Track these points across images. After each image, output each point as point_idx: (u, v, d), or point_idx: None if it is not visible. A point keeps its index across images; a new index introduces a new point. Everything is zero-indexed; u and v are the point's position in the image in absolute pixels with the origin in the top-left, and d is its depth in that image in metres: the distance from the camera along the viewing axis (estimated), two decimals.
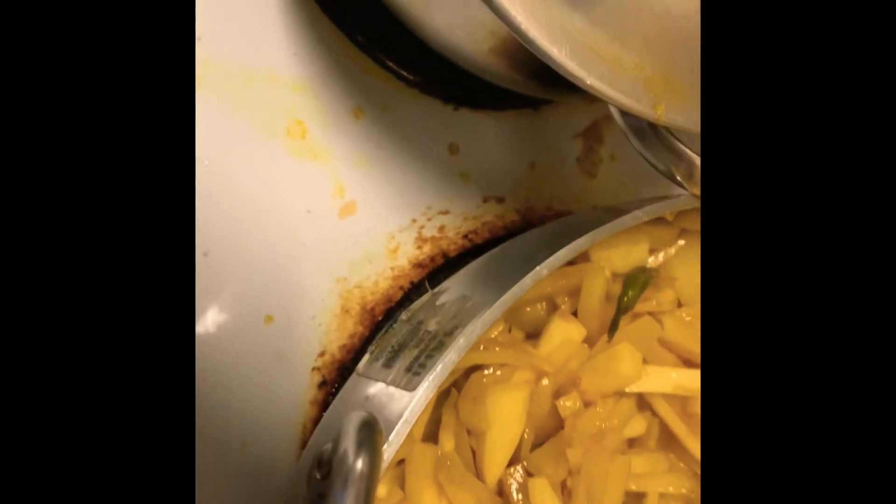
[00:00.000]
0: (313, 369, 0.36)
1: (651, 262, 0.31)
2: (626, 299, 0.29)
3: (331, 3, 0.36)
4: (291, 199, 0.36)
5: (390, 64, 0.37)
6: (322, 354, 0.37)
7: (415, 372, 0.25)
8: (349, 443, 0.20)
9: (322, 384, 0.37)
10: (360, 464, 0.20)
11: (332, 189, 0.37)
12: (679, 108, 0.27)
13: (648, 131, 0.29)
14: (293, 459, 0.36)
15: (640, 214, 0.28)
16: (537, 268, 0.26)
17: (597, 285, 0.29)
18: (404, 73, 0.37)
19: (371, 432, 0.21)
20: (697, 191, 0.29)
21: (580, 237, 0.27)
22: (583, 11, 0.24)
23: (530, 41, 0.23)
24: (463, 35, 0.31)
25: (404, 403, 0.24)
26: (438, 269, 0.39)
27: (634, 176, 0.43)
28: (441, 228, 0.39)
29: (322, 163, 0.36)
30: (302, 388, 0.36)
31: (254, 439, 0.35)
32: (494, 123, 0.40)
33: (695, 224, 0.33)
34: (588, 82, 0.25)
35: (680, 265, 0.32)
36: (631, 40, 0.25)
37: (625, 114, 0.29)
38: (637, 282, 0.29)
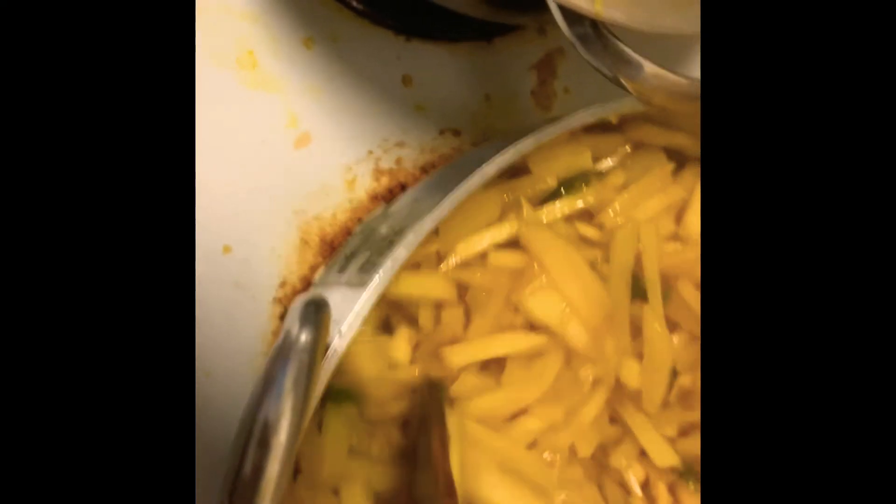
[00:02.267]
0: (274, 300, 0.36)
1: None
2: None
3: None
4: (245, 130, 0.36)
5: None
6: (282, 285, 0.37)
7: (366, 270, 0.26)
8: (293, 320, 0.20)
9: (283, 316, 0.37)
10: (303, 336, 0.20)
11: (285, 120, 0.37)
12: (617, 3, 0.27)
13: (593, 37, 0.29)
14: None
15: (584, 115, 0.29)
16: (484, 166, 0.26)
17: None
18: (353, 3, 0.37)
19: (316, 309, 0.21)
20: (638, 92, 0.30)
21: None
22: None
23: None
24: None
25: (356, 298, 0.24)
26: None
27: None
28: (398, 161, 0.39)
29: (274, 93, 0.36)
30: (263, 319, 0.36)
31: (217, 370, 0.35)
32: (448, 55, 0.40)
33: (646, 136, 0.33)
34: None
35: (629, 172, 0.32)
36: None
37: (569, 21, 0.29)
38: (571, 187, 0.30)
